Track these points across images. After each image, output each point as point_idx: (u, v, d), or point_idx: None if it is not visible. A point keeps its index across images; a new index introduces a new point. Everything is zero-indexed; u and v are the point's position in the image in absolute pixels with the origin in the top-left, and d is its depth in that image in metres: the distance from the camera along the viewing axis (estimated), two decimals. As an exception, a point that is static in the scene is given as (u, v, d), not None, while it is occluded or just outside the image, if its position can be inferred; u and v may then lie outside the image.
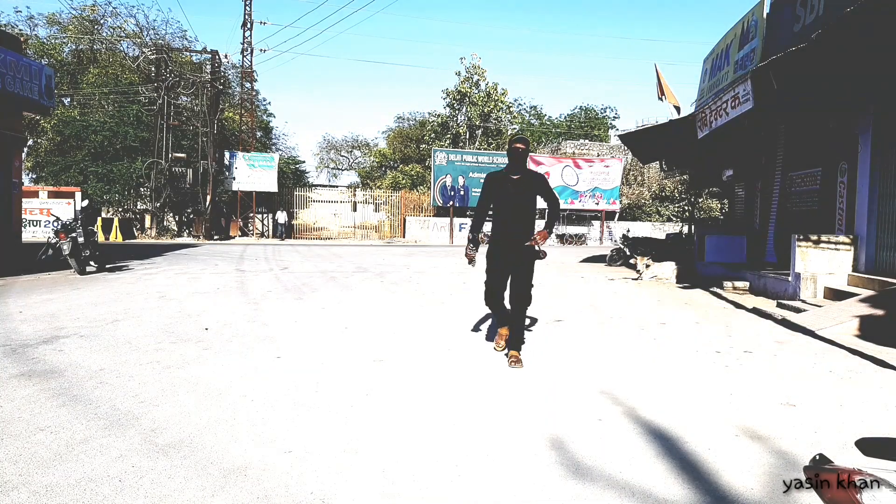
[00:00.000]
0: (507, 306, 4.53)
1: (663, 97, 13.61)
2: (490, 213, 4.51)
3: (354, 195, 32.92)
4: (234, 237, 26.52)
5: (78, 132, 25.28)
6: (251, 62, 27.49)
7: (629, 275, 12.01)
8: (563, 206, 27.46)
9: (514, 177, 4.32)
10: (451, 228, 26.86)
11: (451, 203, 26.55)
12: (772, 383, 4.05)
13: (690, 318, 6.90)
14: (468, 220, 25.64)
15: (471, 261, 4.44)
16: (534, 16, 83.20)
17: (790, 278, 8.07)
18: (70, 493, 2.26)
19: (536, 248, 4.23)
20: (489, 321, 6.02)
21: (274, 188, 26.63)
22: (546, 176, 4.56)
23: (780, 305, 7.58)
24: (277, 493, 2.31)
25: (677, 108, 13.55)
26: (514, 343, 4.40)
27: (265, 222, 28.52)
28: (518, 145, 4.32)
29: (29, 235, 19.59)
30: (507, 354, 4.45)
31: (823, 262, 7.89)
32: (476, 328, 5.80)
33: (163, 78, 25.14)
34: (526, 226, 4.33)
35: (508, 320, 4.48)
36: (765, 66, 7.29)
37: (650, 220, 29.17)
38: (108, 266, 11.09)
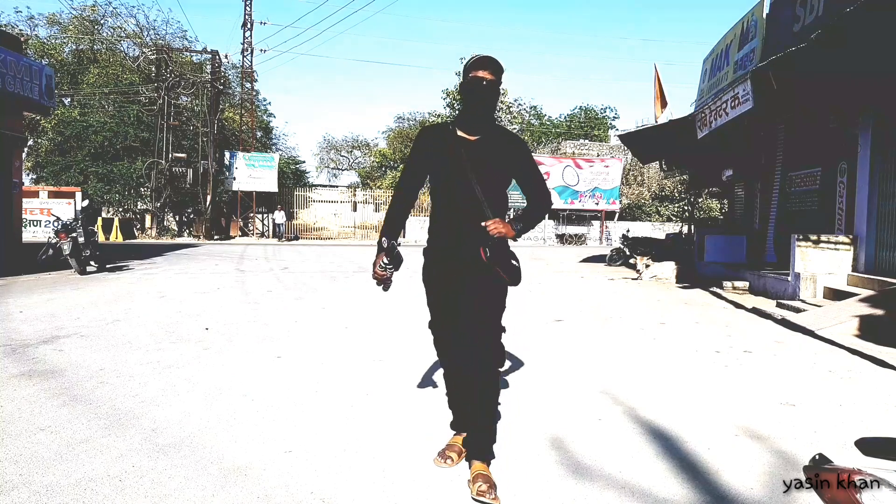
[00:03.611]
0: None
1: (662, 100, 13.62)
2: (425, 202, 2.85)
3: (354, 195, 32.94)
4: (234, 237, 26.53)
5: (78, 132, 25.29)
6: (251, 62, 27.52)
7: (629, 275, 12.01)
8: (563, 206, 27.39)
9: (472, 138, 2.41)
10: (451, 228, 26.83)
11: (451, 203, 26.51)
12: (771, 383, 4.05)
13: (690, 317, 6.90)
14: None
15: (381, 282, 2.46)
16: (534, 16, 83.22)
17: (790, 278, 8.08)
18: (71, 493, 2.27)
19: (491, 253, 2.36)
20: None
21: (274, 188, 26.65)
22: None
23: (779, 305, 7.58)
24: (277, 492, 2.31)
25: (659, 117, 13.55)
26: (479, 447, 2.43)
27: (265, 222, 28.53)
28: (482, 73, 2.33)
29: (29, 235, 19.59)
30: (468, 479, 2.37)
31: (823, 262, 7.90)
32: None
33: (163, 78, 25.17)
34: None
35: (467, 410, 2.54)
36: (764, 66, 7.30)
37: (650, 220, 29.18)
38: (108, 266, 11.10)
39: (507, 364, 4.26)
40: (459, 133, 2.41)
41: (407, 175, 2.55)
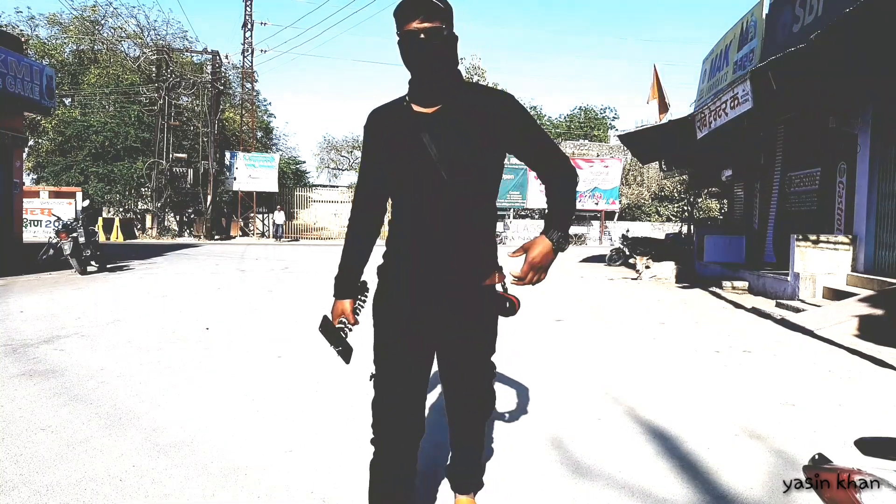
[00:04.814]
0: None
1: (662, 102, 13.59)
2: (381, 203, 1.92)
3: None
4: (234, 237, 26.54)
5: (79, 132, 25.31)
6: (252, 62, 27.53)
7: (629, 275, 12.02)
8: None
9: (430, 109, 1.70)
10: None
11: (451, 203, 26.47)
12: (771, 383, 4.05)
13: (690, 317, 6.91)
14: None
15: (336, 344, 1.79)
16: (534, 16, 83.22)
17: (789, 278, 8.08)
18: (71, 493, 2.27)
19: (501, 287, 1.80)
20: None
21: (274, 188, 26.65)
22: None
23: (779, 305, 7.58)
24: (278, 492, 2.32)
25: (666, 110, 13.50)
26: (468, 479, 2.12)
27: (265, 222, 28.54)
28: (416, 25, 1.60)
29: (30, 235, 19.59)
30: None
31: (822, 262, 7.90)
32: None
33: (163, 78, 25.18)
34: (475, 233, 1.74)
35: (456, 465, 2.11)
36: (764, 66, 7.31)
37: (650, 220, 29.19)
38: (109, 266, 11.10)
39: (511, 386, 4.24)
40: (415, 108, 1.71)
41: (365, 180, 1.83)
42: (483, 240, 1.75)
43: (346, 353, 1.78)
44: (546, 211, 1.79)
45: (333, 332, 1.78)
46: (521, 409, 3.35)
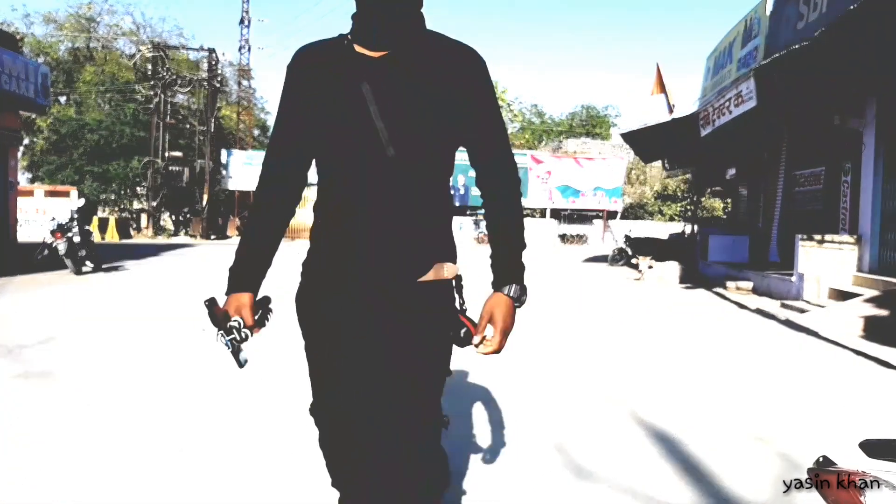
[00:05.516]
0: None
1: (667, 103, 13.52)
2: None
3: (353, 194, 32.88)
4: (231, 237, 26.44)
5: (74, 131, 25.19)
6: (249, 60, 27.45)
7: (631, 275, 11.97)
8: (564, 205, 27.19)
9: (377, 53, 1.26)
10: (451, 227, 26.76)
11: (449, 202, 26.36)
12: (775, 384, 4.01)
13: (693, 318, 6.87)
14: (467, 220, 25.02)
15: (227, 331, 1.38)
16: (535, 15, 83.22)
17: (794, 278, 8.03)
18: (67, 496, 2.22)
19: (460, 308, 1.37)
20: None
21: (272, 187, 26.55)
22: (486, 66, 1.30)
23: (783, 306, 7.54)
24: (277, 494, 2.27)
25: (671, 107, 13.42)
26: None
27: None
28: None
29: (25, 235, 19.50)
30: None
31: (827, 263, 7.84)
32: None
33: (159, 76, 25.04)
34: (423, 218, 1.30)
35: None
36: (768, 63, 7.26)
37: (652, 220, 29.10)
38: (104, 266, 11.01)
39: (512, 389, 4.17)
40: (357, 49, 1.28)
41: (279, 139, 1.38)
42: (436, 229, 1.32)
43: (238, 352, 1.36)
44: (491, 246, 1.37)
45: (221, 319, 1.34)
46: (523, 412, 3.30)
